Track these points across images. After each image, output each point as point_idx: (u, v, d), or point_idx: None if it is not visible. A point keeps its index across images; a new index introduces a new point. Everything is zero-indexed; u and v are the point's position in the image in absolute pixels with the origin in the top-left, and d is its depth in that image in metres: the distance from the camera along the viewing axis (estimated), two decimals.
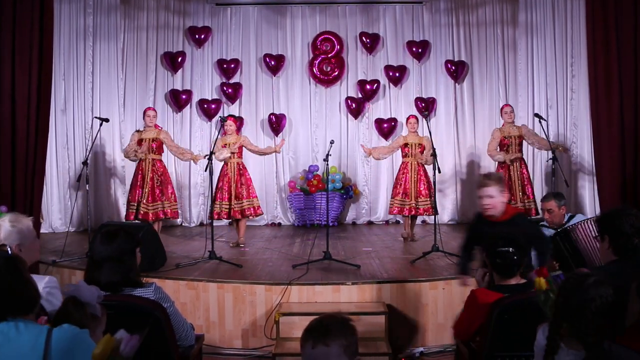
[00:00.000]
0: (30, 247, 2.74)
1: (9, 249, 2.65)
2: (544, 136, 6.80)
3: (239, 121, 8.48)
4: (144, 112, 7.06)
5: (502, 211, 3.52)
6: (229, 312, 4.87)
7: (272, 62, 9.09)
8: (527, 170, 7.00)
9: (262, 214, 7.35)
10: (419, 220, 7.87)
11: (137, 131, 6.94)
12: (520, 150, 6.92)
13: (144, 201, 6.71)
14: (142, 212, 6.72)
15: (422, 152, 6.95)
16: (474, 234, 3.68)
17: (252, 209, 6.77)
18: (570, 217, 4.58)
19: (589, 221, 4.12)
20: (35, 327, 1.82)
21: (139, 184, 6.77)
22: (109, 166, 8.58)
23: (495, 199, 3.49)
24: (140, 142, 6.76)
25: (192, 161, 7.17)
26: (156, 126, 6.96)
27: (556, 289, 2.27)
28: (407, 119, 7.23)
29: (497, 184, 3.53)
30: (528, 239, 3.00)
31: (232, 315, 4.87)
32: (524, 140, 6.92)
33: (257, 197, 6.92)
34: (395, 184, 7.16)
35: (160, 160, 6.93)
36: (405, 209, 6.94)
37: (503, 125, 6.98)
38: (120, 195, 8.52)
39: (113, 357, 1.80)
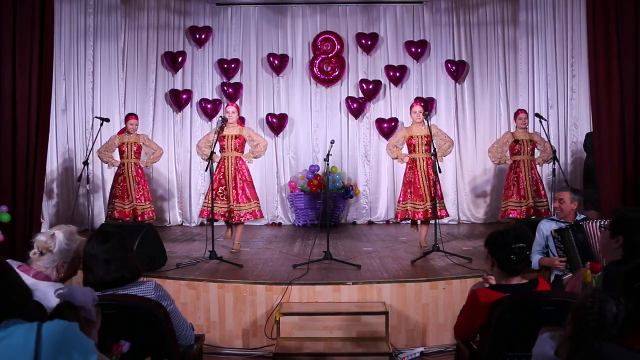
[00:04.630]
0: (72, 264, 2.73)
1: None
2: (544, 137, 6.83)
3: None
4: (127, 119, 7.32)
5: None
6: (230, 312, 4.87)
7: (276, 62, 9.09)
8: (537, 172, 7.05)
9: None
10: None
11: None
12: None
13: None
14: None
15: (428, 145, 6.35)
16: None
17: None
18: (584, 220, 4.55)
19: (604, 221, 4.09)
20: (24, 324, 1.81)
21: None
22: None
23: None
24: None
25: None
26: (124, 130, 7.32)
27: (597, 287, 2.24)
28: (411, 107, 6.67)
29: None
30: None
31: (232, 315, 4.86)
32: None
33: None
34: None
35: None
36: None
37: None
38: None
39: None
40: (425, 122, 6.29)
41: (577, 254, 4.09)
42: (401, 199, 6.50)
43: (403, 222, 6.86)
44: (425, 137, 6.31)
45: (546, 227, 4.55)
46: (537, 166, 7.06)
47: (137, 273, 2.73)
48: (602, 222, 4.01)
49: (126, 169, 7.11)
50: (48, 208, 8.31)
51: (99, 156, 7.32)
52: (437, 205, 6.05)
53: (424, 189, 6.31)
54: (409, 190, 6.39)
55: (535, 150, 7.06)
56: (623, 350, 1.92)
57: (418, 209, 6.33)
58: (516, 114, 7.15)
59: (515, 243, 2.82)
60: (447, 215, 6.68)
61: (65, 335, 1.79)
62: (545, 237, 4.56)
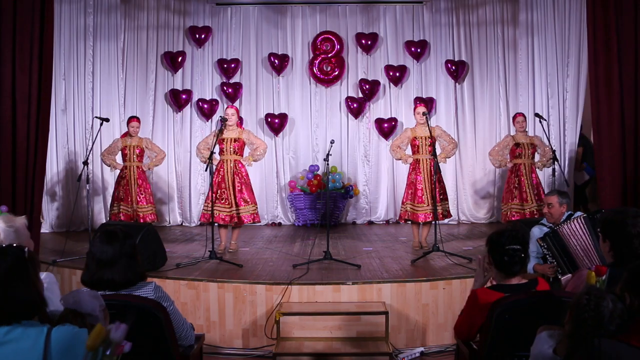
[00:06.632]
0: (26, 245, 2.74)
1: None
2: (545, 137, 6.83)
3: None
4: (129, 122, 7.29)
5: None
6: (230, 312, 4.87)
7: (277, 62, 9.09)
8: (537, 175, 7.01)
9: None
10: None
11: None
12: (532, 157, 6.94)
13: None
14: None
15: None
16: None
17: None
18: (569, 216, 4.55)
19: (577, 220, 4.10)
20: (35, 327, 1.82)
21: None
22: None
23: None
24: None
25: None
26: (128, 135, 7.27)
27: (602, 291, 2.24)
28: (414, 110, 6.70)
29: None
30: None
31: (232, 315, 4.87)
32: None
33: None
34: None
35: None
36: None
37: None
38: None
39: (106, 343, 1.79)
40: (427, 122, 6.29)
41: (561, 258, 4.11)
42: (405, 199, 6.52)
43: (409, 222, 6.86)
44: (429, 138, 6.31)
45: (536, 234, 4.54)
46: (537, 170, 7.05)
47: (134, 280, 2.68)
48: (581, 218, 4.06)
49: (129, 172, 7.09)
50: (50, 209, 8.33)
51: (102, 159, 7.33)
52: (441, 206, 6.08)
53: (426, 191, 6.32)
54: (410, 192, 6.42)
55: (535, 153, 7.06)
56: (622, 347, 1.93)
57: (419, 210, 6.34)
58: (514, 118, 7.19)
59: (509, 244, 2.81)
60: (450, 216, 6.69)
61: (74, 341, 1.80)
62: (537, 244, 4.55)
